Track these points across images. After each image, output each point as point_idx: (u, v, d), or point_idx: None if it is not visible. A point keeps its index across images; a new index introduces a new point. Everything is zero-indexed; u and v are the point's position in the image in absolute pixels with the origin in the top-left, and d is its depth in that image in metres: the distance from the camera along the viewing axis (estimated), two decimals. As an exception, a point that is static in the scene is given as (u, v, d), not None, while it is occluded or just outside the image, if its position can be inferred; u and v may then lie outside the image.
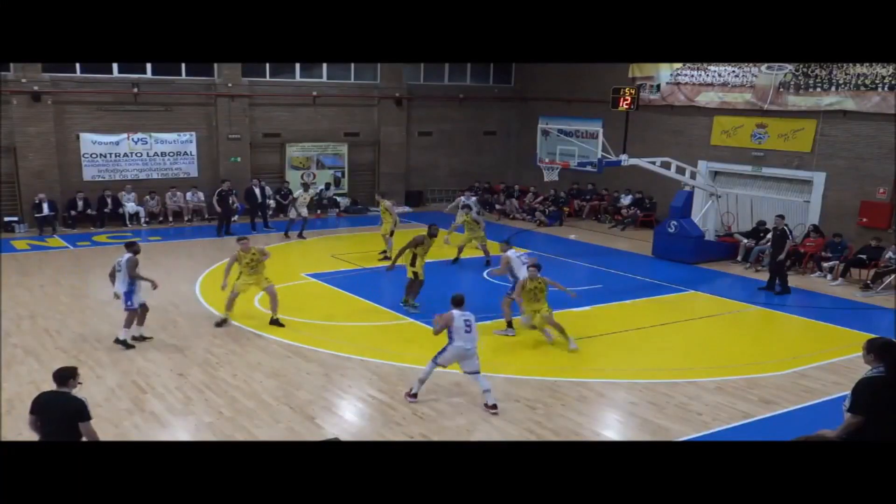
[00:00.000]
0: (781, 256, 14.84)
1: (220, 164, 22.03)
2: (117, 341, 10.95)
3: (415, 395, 9.19)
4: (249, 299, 13.44)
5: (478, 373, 9.07)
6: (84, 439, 6.10)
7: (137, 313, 11.05)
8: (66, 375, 6.20)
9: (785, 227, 15.21)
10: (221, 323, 11.99)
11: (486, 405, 8.98)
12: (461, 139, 26.00)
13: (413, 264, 12.79)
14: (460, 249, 16.82)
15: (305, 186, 20.42)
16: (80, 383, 6.35)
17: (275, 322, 11.97)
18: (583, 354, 11.30)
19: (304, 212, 19.42)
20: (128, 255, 10.91)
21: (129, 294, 10.87)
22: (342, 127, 23.96)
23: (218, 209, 19.30)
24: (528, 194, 24.14)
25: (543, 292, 11.04)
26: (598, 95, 21.05)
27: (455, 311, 9.07)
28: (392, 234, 16.67)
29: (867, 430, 5.71)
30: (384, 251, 16.59)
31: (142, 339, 11.20)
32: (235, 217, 20.05)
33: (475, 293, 14.30)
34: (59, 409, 6.08)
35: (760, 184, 19.91)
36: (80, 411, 6.01)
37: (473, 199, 19.87)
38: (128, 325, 11.03)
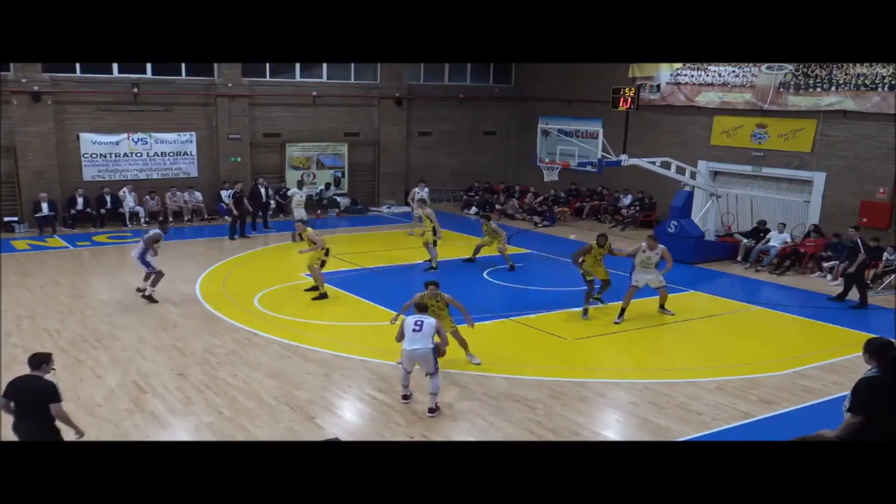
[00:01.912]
0: (851, 269, 14.26)
1: (220, 164, 22.04)
2: (144, 296, 13.15)
3: (407, 397, 9.13)
4: (249, 300, 13.47)
5: (434, 373, 8.82)
6: (57, 423, 6.49)
7: (162, 275, 13.22)
8: (39, 360, 6.54)
9: (858, 240, 14.46)
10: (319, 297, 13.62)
11: (429, 409, 8.82)
12: (461, 139, 26.00)
13: (581, 267, 13.15)
14: (477, 249, 16.73)
15: (300, 184, 19.86)
16: (53, 369, 6.66)
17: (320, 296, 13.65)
18: (583, 354, 11.30)
19: (303, 213, 18.31)
20: (154, 231, 13.31)
21: (143, 260, 13.02)
22: (342, 127, 23.96)
23: (235, 212, 19.23)
24: (528, 194, 24.15)
25: (444, 310, 10.11)
26: (598, 95, 21.05)
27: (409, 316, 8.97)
28: (435, 243, 16.15)
29: (867, 430, 5.72)
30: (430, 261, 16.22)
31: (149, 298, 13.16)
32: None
33: (476, 293, 14.32)
34: (31, 391, 6.37)
35: (760, 184, 19.91)
36: (51, 393, 6.33)
37: (426, 190, 20.69)
38: (154, 284, 13.20)
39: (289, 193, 19.48)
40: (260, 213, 20.50)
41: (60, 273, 15.29)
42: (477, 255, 16.75)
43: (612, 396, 9.64)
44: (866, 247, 14.49)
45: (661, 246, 12.92)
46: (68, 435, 6.76)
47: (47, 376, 6.52)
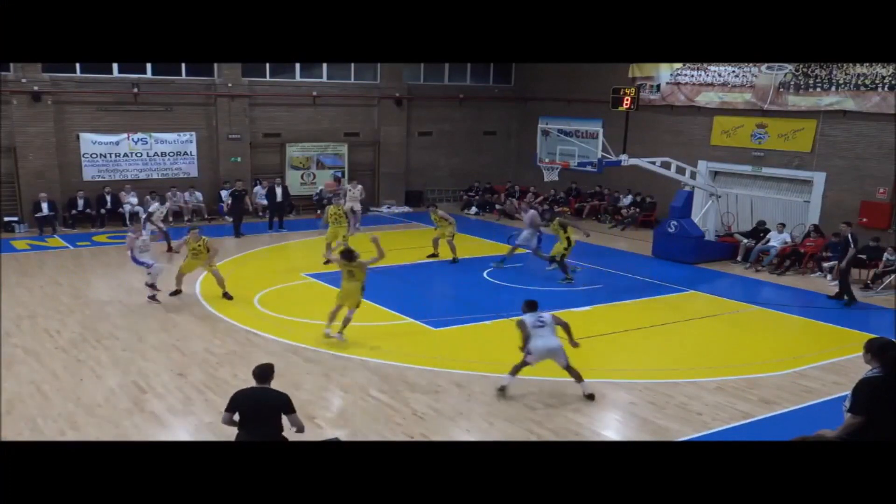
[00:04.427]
0: (842, 265, 14.35)
1: (220, 164, 22.05)
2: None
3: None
4: (249, 300, 13.46)
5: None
6: (294, 430, 6.51)
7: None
8: (266, 373, 6.50)
9: (849, 235, 14.54)
10: None
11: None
12: (461, 139, 25.99)
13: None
14: (436, 244, 17.01)
15: (162, 199, 18.15)
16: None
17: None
18: (583, 354, 11.26)
19: (161, 226, 17.15)
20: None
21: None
22: (342, 127, 23.95)
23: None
24: (528, 194, 24.15)
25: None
26: (598, 95, 21.04)
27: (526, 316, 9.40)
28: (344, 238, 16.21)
29: (867, 431, 5.72)
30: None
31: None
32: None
33: (476, 293, 14.33)
34: (265, 403, 6.38)
35: (760, 184, 19.91)
36: (286, 404, 6.36)
37: (360, 188, 21.38)
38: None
39: (150, 209, 17.50)
40: (276, 213, 20.63)
41: (60, 273, 15.29)
42: (437, 249, 17.03)
43: (612, 396, 9.64)
44: (856, 241, 14.52)
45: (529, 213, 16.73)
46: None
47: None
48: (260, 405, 6.36)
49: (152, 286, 13.14)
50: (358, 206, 20.20)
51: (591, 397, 9.33)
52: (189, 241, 13.40)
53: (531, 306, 9.60)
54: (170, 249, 16.82)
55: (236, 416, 6.40)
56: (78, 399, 9.05)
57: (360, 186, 21.52)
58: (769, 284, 15.91)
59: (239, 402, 6.42)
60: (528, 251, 16.21)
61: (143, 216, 17.40)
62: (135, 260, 13.34)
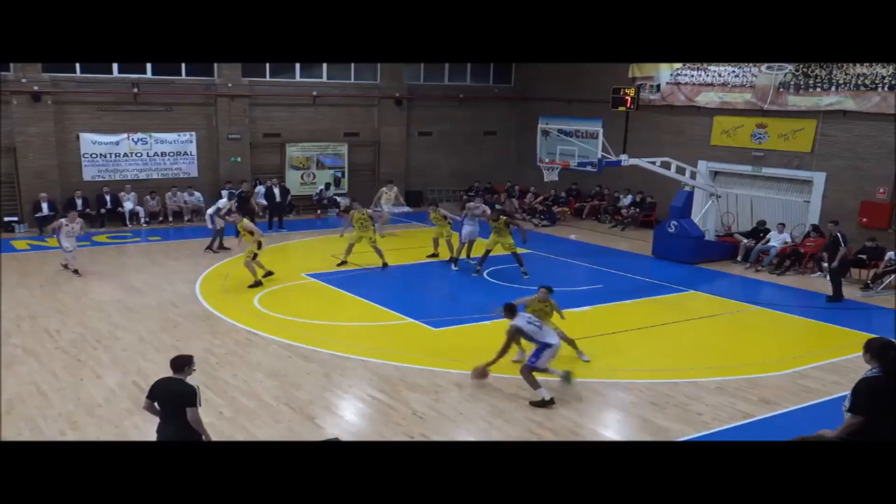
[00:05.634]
0: (835, 264, 14.43)
1: (220, 164, 22.04)
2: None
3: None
4: (249, 300, 13.47)
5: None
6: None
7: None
8: (181, 363, 6.56)
9: (838, 234, 14.67)
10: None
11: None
12: (461, 139, 25.99)
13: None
14: (435, 244, 17.09)
15: (231, 195, 18.54)
16: (194, 370, 6.69)
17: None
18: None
19: (220, 223, 17.30)
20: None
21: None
22: (342, 127, 23.95)
23: (228, 219, 19.40)
24: (528, 194, 24.16)
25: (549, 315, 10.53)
26: (598, 95, 21.05)
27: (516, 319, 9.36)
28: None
29: (867, 431, 5.72)
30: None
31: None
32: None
33: (476, 293, 14.33)
34: (172, 393, 6.43)
35: (760, 184, 19.91)
36: (189, 396, 6.36)
37: (395, 190, 21.22)
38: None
39: (219, 204, 17.69)
40: (276, 213, 20.65)
41: (60, 273, 15.28)
42: (437, 248, 17.08)
43: (612, 396, 9.64)
44: (846, 239, 14.56)
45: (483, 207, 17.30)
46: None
47: (188, 379, 6.55)
48: (169, 395, 6.43)
49: (66, 265, 15.11)
50: (390, 207, 20.37)
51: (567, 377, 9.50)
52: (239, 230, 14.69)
53: (512, 310, 9.50)
54: (210, 247, 17.28)
55: (157, 406, 6.52)
56: (78, 399, 9.05)
57: (395, 189, 21.21)
58: (769, 284, 15.91)
59: (155, 391, 6.52)
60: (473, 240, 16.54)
61: (211, 211, 17.77)
62: (57, 238, 14.96)
